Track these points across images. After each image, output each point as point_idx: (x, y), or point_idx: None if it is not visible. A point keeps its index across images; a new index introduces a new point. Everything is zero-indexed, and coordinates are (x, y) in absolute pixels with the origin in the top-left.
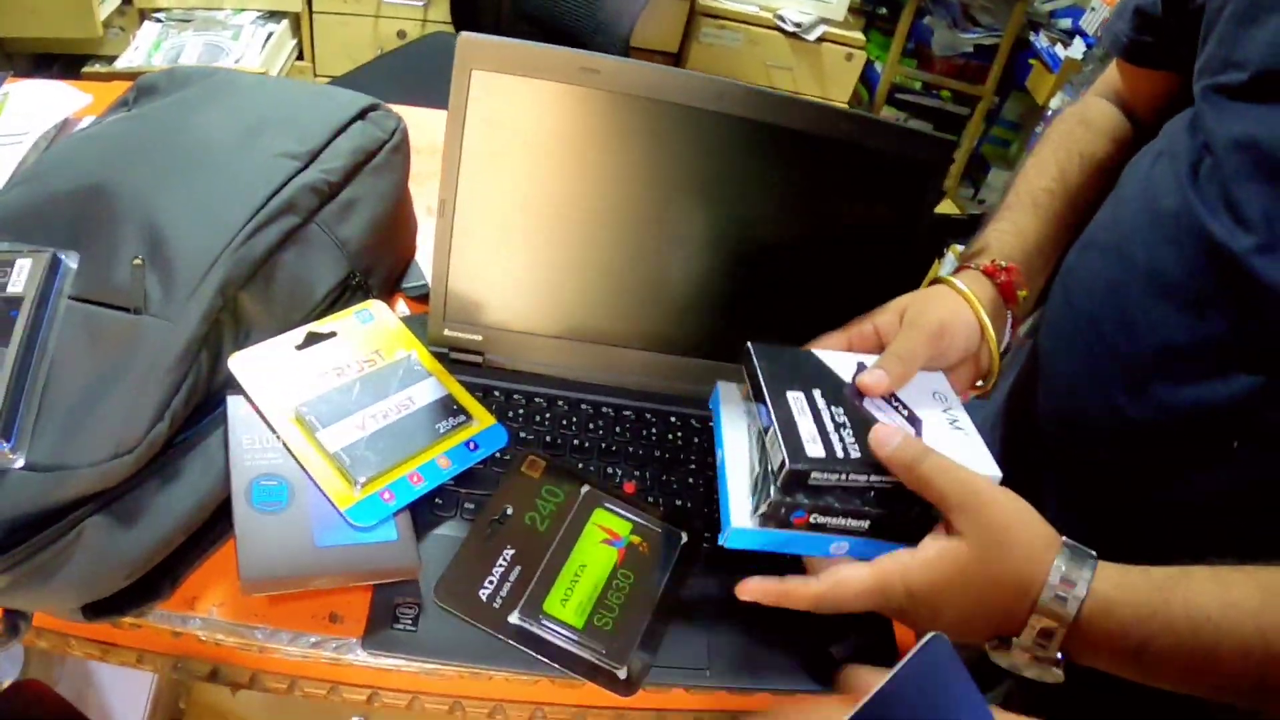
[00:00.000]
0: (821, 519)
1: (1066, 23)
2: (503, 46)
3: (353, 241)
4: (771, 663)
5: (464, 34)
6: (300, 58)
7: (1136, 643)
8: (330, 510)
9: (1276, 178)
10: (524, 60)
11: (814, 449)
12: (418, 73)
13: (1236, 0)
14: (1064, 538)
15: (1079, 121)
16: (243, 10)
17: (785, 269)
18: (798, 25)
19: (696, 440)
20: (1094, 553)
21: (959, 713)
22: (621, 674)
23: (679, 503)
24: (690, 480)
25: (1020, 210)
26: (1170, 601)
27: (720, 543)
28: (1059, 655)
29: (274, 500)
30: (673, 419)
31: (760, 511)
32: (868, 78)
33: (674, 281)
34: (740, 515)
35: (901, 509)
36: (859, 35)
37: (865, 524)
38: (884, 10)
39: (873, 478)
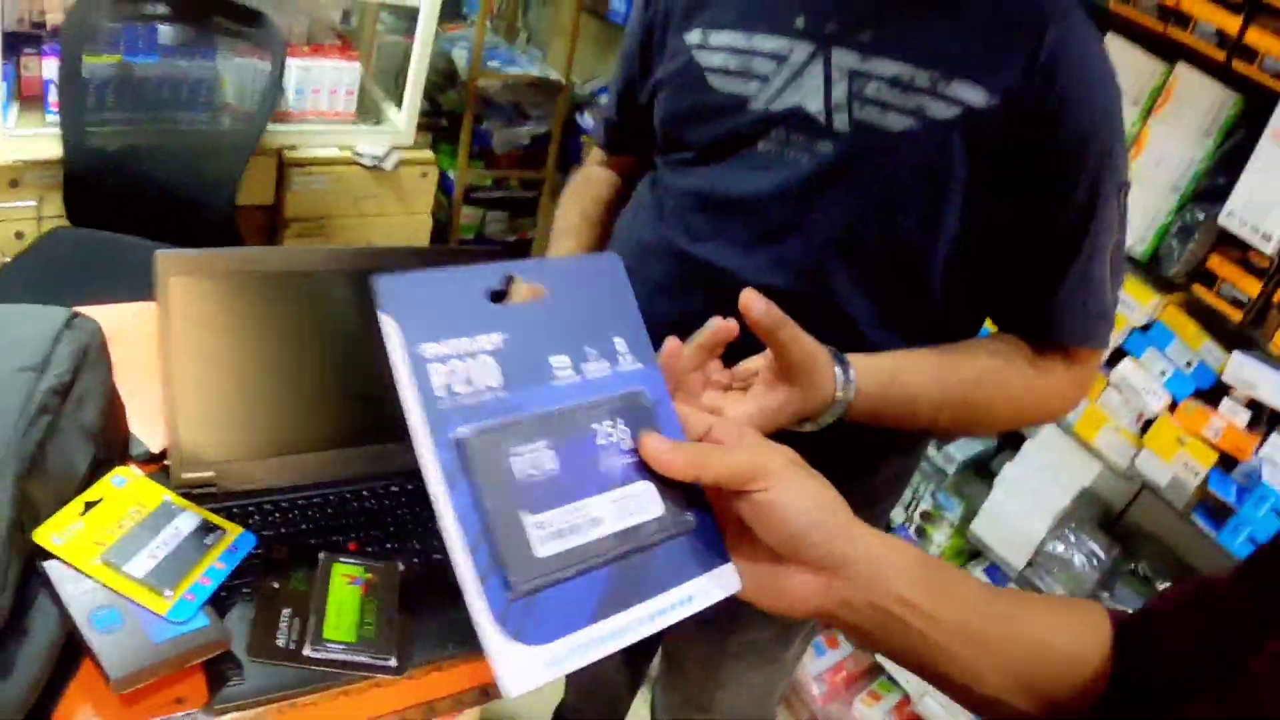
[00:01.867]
0: None
1: (605, 99)
2: (190, 258)
3: (91, 425)
4: None
5: (160, 251)
6: None
7: (889, 371)
8: (154, 617)
9: (714, 209)
10: (205, 263)
11: None
12: (52, 268)
13: (671, 105)
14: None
15: (584, 180)
16: None
17: None
18: (376, 158)
19: (387, 502)
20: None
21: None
22: (392, 663)
23: (388, 545)
24: (393, 529)
25: (563, 236)
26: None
27: None
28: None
29: (112, 622)
30: (368, 490)
31: None
32: (445, 186)
33: (347, 392)
34: None
35: None
36: (428, 153)
37: None
38: (445, 123)
39: None
